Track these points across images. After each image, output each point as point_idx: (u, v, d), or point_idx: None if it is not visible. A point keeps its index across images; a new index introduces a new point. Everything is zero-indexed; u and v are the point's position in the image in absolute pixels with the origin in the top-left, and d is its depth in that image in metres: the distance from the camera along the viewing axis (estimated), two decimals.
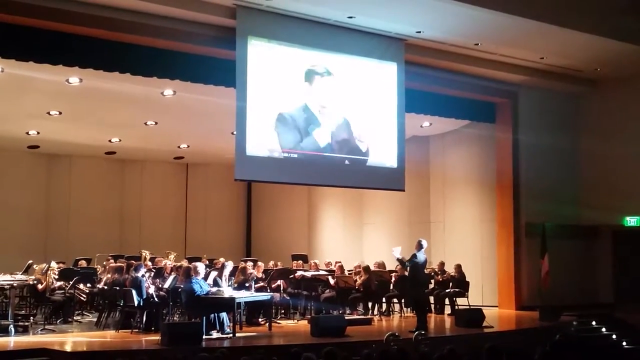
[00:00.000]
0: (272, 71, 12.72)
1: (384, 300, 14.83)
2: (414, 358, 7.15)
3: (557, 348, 7.45)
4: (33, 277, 12.70)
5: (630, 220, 16.23)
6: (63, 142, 18.28)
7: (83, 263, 15.49)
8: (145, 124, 16.54)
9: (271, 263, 15.54)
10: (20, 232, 18.47)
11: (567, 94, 16.96)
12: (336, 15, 12.72)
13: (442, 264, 15.71)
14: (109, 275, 13.13)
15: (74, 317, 13.26)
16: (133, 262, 13.37)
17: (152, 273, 13.13)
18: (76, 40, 11.41)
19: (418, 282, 12.49)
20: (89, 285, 13.98)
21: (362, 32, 13.45)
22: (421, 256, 12.23)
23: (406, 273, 13.06)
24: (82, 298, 13.73)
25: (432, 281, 15.34)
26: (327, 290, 14.35)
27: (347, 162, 13.51)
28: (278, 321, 13.38)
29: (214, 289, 11.61)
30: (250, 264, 14.18)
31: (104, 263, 15.19)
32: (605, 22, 13.78)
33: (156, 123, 16.51)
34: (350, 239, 19.73)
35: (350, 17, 12.78)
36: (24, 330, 11.45)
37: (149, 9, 11.40)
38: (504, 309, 15.88)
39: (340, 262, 15.25)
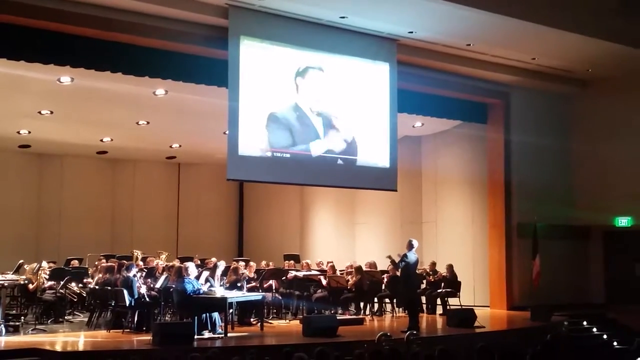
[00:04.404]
0: (265, 71, 12.71)
1: (375, 300, 14.85)
2: (405, 358, 7.16)
3: (549, 348, 7.47)
4: (24, 277, 12.66)
5: (622, 221, 16.29)
6: (54, 141, 18.23)
7: (75, 263, 15.45)
8: (137, 123, 16.50)
9: (263, 263, 15.53)
10: (11, 232, 18.42)
11: (559, 95, 17.01)
12: (328, 15, 12.72)
13: (433, 264, 15.72)
14: (101, 275, 13.09)
15: (65, 317, 13.23)
16: (124, 261, 13.35)
17: (144, 273, 13.11)
18: (68, 40, 11.36)
19: (410, 282, 12.51)
20: (80, 285, 13.95)
21: (355, 32, 13.45)
22: (412, 256, 12.24)
23: (398, 273, 13.08)
24: (73, 298, 13.68)
25: (424, 281, 15.37)
26: (319, 290, 14.35)
27: (339, 162, 13.51)
28: (270, 321, 13.36)
29: (206, 288, 11.61)
30: (242, 263, 14.17)
31: (96, 263, 15.15)
32: (597, 23, 13.83)
33: (148, 123, 16.47)
34: (343, 239, 19.73)
35: (343, 17, 12.78)
36: (15, 330, 11.40)
37: (141, 8, 11.37)
38: (496, 309, 15.91)
39: (332, 262, 15.27)
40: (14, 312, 13.02)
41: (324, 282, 14.26)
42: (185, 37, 12.09)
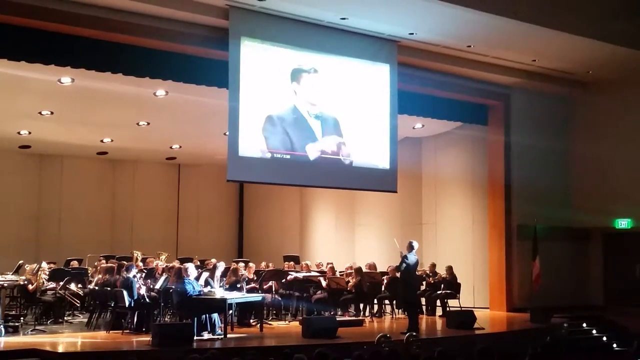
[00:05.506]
0: (265, 72, 12.70)
1: (375, 301, 14.84)
2: (405, 359, 7.16)
3: (548, 350, 7.46)
4: (23, 278, 12.67)
5: (622, 223, 16.26)
6: (55, 142, 18.22)
7: (75, 263, 15.45)
8: (138, 124, 16.50)
9: (263, 264, 15.52)
10: (11, 232, 18.39)
11: (559, 97, 17.00)
12: (329, 16, 12.72)
13: (433, 266, 15.73)
14: (100, 276, 13.09)
15: (65, 318, 13.22)
16: (124, 262, 13.34)
17: (144, 274, 13.11)
18: (68, 40, 11.37)
19: (409, 283, 12.51)
20: (80, 285, 13.93)
21: (355, 34, 13.45)
22: (412, 257, 12.24)
23: (398, 275, 13.08)
24: (74, 301, 13.65)
25: (424, 283, 15.37)
26: (319, 292, 14.34)
27: (339, 163, 13.51)
28: (269, 322, 13.36)
29: (206, 290, 11.60)
30: (241, 264, 14.17)
31: (95, 263, 15.14)
32: (598, 25, 13.82)
33: (148, 123, 16.47)
34: (342, 240, 19.72)
35: (343, 19, 12.78)
36: (14, 331, 11.39)
37: (142, 9, 11.37)
38: (495, 310, 15.91)
39: (331, 263, 15.26)
40: (13, 312, 13.00)
41: (323, 283, 14.26)
42: (186, 38, 12.09)
